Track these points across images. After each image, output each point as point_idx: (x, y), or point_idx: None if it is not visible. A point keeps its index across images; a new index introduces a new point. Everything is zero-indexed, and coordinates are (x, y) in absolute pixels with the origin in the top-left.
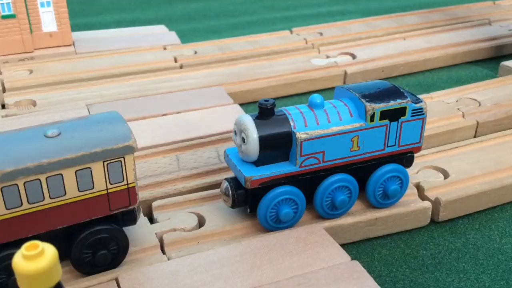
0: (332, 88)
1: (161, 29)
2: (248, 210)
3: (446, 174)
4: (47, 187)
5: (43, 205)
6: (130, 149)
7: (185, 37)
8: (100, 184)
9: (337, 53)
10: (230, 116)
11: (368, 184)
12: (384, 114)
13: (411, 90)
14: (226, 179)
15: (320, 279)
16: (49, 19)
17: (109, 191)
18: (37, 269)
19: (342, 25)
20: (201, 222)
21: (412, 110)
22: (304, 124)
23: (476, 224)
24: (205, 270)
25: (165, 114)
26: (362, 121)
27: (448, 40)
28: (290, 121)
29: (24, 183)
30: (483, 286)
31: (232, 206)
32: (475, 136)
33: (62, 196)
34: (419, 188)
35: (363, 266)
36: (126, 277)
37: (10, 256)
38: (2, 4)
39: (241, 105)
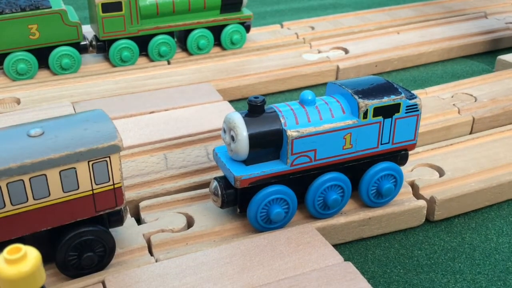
0: (324, 84)
1: None
2: (238, 210)
3: (441, 172)
4: (31, 188)
5: (26, 206)
6: (116, 148)
7: None
8: (85, 185)
9: (329, 48)
10: (219, 114)
11: (361, 183)
12: (378, 111)
13: (405, 85)
14: (215, 178)
15: (312, 280)
16: None
17: (94, 191)
18: (20, 273)
19: (334, 19)
20: (189, 223)
21: (407, 107)
22: (295, 121)
23: (472, 223)
24: (194, 272)
25: (152, 112)
26: (355, 118)
27: (443, 34)
28: (281, 119)
29: (6, 184)
30: (479, 287)
31: (222, 206)
32: (471, 133)
33: (46, 197)
34: (413, 186)
35: (356, 267)
36: (113, 279)
37: None
38: None
39: (230, 102)
